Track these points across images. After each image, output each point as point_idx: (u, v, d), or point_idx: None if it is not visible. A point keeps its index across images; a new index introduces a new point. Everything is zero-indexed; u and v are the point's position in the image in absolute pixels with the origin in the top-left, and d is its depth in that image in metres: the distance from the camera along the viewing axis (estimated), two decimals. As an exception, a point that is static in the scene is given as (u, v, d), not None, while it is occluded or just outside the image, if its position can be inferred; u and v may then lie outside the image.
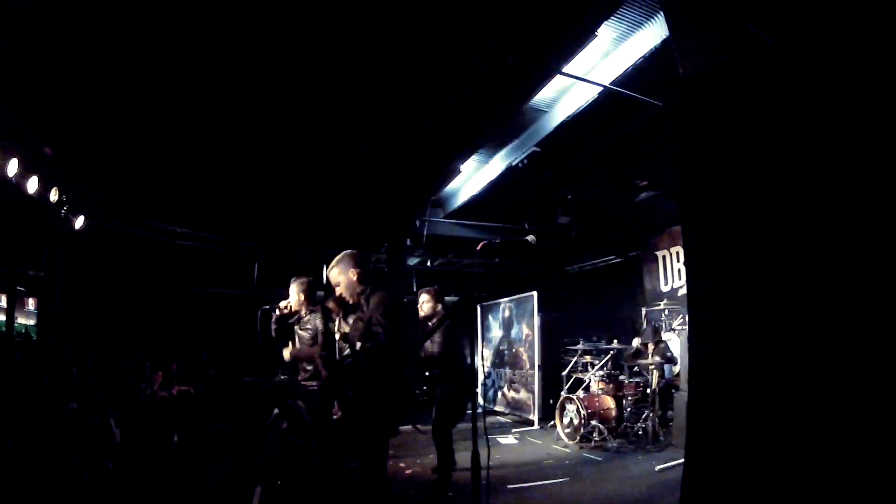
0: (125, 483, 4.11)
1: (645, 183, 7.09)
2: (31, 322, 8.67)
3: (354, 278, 2.99)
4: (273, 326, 4.03)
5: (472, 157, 6.57)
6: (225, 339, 8.81)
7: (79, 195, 6.51)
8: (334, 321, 4.09)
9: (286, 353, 3.97)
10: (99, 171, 6.67)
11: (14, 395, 4.03)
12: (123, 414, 5.04)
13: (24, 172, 5.28)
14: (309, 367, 3.95)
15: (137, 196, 7.60)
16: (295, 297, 4.04)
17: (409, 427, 5.89)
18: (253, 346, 4.03)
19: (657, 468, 4.68)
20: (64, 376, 5.01)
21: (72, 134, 5.75)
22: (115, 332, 8.13)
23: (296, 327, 4.07)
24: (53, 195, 5.85)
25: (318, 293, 4.66)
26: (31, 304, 8.95)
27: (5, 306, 8.27)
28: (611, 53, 4.37)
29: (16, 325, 8.37)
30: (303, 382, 3.95)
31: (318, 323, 3.96)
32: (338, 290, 3.06)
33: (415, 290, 10.97)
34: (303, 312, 4.05)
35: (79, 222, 6.63)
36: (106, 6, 3.88)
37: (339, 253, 3.11)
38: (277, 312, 4.01)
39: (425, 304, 4.61)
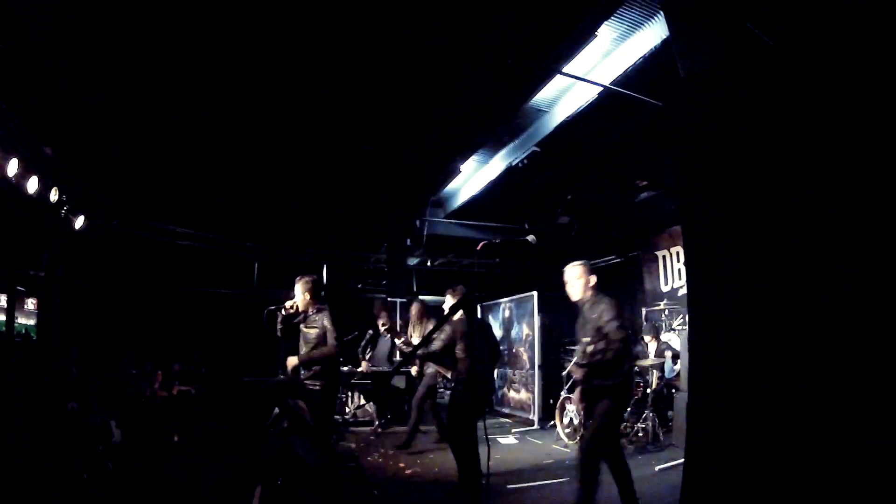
0: (125, 483, 4.11)
1: (645, 183, 7.08)
2: (31, 322, 8.66)
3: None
4: (279, 326, 4.06)
5: (472, 157, 6.57)
6: (223, 339, 8.80)
7: (79, 195, 6.51)
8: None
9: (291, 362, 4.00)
10: (99, 171, 6.67)
11: (14, 395, 4.04)
12: (123, 414, 5.06)
13: (24, 172, 5.27)
14: (314, 367, 3.94)
15: (137, 196, 7.60)
16: (300, 296, 4.05)
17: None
18: (252, 347, 4.04)
19: (657, 468, 4.68)
20: (64, 376, 5.02)
21: (72, 134, 5.75)
22: (115, 332, 8.13)
23: (301, 326, 4.07)
24: (53, 195, 5.85)
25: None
26: (30, 304, 8.94)
27: (5, 306, 8.27)
28: (611, 53, 4.36)
29: (16, 325, 8.36)
30: (305, 381, 3.93)
31: (326, 321, 3.95)
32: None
33: (415, 290, 11.00)
34: (309, 311, 4.05)
35: (79, 222, 6.63)
36: (107, 6, 3.88)
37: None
38: (283, 312, 4.04)
39: None
